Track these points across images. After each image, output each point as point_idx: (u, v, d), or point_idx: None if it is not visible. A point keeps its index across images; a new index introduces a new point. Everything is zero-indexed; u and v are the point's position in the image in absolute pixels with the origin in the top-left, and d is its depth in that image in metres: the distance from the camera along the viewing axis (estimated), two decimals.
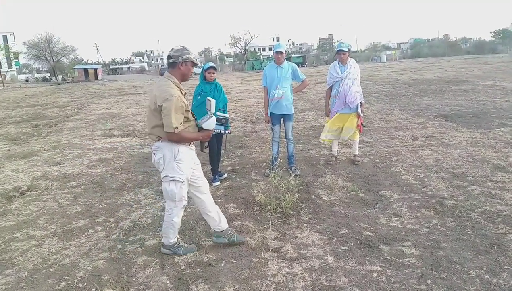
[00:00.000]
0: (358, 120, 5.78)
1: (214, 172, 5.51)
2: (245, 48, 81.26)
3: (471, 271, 2.97)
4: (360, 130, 5.95)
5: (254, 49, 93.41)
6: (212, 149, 5.40)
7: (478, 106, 10.57)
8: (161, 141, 3.23)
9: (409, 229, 3.73)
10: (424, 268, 3.06)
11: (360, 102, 5.76)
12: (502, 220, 3.78)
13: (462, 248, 3.33)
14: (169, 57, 3.23)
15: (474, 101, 11.46)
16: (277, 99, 5.52)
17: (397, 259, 3.21)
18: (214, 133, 3.63)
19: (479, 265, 3.06)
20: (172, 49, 3.25)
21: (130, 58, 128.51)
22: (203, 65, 5.42)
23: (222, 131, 3.91)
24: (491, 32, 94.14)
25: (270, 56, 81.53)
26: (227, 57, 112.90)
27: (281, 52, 5.45)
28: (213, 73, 5.27)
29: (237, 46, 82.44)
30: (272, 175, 4.45)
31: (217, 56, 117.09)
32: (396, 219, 3.98)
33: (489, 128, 7.73)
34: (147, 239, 3.87)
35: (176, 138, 3.18)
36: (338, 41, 5.99)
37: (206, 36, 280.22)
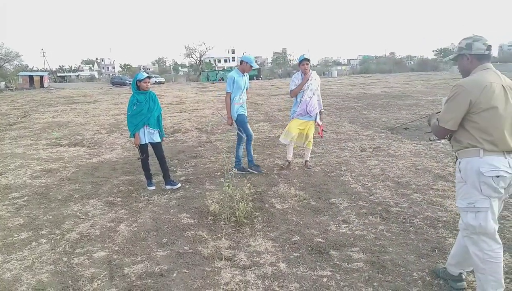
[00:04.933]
0: (318, 128, 6.25)
1: (148, 177, 5.68)
2: (200, 59, 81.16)
3: (414, 274, 3.14)
4: (321, 136, 6.60)
5: (210, 60, 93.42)
6: (145, 157, 5.56)
7: (421, 120, 11.23)
8: None
9: (357, 235, 3.88)
10: (371, 271, 3.19)
11: (320, 111, 6.22)
12: (443, 225, 4.03)
13: (406, 252, 3.51)
14: (490, 48, 2.67)
15: (417, 115, 12.16)
16: (241, 104, 6.07)
17: (346, 264, 3.32)
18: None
19: (422, 267, 3.23)
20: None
21: (79, 65, 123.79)
22: (136, 74, 5.53)
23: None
24: (433, 51, 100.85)
25: (226, 67, 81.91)
26: (181, 68, 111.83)
27: None
28: (149, 83, 5.44)
29: (192, 57, 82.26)
30: (227, 184, 4.47)
31: (171, 66, 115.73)
32: (345, 225, 4.13)
33: (431, 140, 8.22)
34: (95, 251, 3.73)
35: None
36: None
37: (160, 46, 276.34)
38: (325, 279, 3.10)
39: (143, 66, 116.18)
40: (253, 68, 6.05)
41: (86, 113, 16.24)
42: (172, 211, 4.73)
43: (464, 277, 2.96)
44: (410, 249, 3.56)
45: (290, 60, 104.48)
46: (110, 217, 4.60)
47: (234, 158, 6.43)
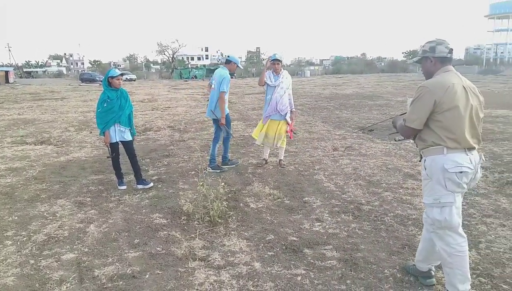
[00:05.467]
0: (288, 127, 6.24)
1: (119, 176, 5.55)
2: (173, 57, 79.99)
3: (386, 271, 3.21)
4: (290, 137, 6.49)
5: (183, 58, 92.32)
6: (116, 156, 5.42)
7: (390, 120, 11.49)
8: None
9: (330, 233, 3.93)
10: (344, 269, 3.24)
11: (291, 110, 6.28)
12: (412, 223, 4.14)
13: (378, 249, 3.58)
14: (451, 51, 2.78)
15: (387, 115, 12.46)
16: (228, 104, 6.31)
17: (319, 262, 3.36)
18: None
19: (393, 264, 3.31)
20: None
21: (47, 61, 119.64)
22: (108, 70, 5.39)
23: None
24: (403, 53, 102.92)
25: (199, 65, 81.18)
26: (153, 65, 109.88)
27: None
28: (122, 80, 5.34)
29: (164, 54, 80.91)
30: (201, 183, 4.43)
31: (143, 63, 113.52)
32: (319, 224, 4.17)
33: (396, 141, 8.43)
34: (63, 252, 3.61)
35: None
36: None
37: (132, 42, 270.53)
38: (299, 278, 3.12)
39: (114, 62, 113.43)
40: (236, 61, 6.22)
41: (53, 111, 15.71)
42: (144, 211, 4.64)
43: (433, 273, 3.06)
44: (381, 246, 3.64)
45: (263, 59, 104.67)
46: (79, 217, 4.46)
47: (208, 157, 6.39)
